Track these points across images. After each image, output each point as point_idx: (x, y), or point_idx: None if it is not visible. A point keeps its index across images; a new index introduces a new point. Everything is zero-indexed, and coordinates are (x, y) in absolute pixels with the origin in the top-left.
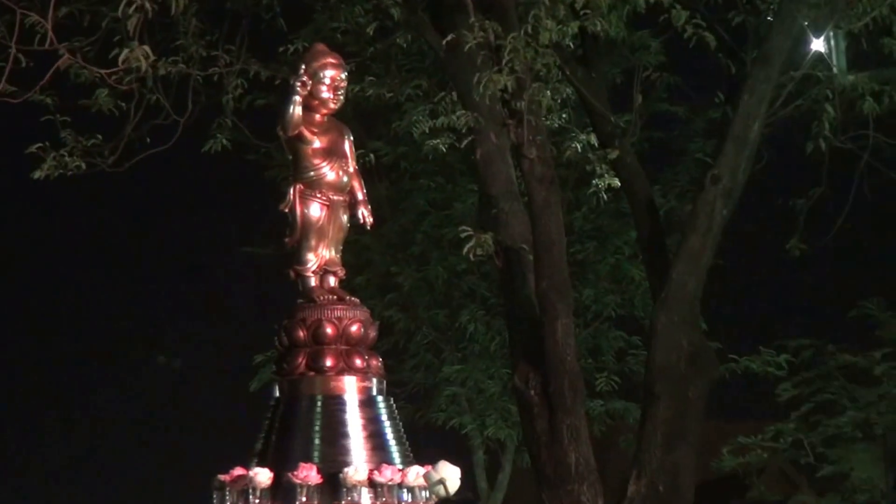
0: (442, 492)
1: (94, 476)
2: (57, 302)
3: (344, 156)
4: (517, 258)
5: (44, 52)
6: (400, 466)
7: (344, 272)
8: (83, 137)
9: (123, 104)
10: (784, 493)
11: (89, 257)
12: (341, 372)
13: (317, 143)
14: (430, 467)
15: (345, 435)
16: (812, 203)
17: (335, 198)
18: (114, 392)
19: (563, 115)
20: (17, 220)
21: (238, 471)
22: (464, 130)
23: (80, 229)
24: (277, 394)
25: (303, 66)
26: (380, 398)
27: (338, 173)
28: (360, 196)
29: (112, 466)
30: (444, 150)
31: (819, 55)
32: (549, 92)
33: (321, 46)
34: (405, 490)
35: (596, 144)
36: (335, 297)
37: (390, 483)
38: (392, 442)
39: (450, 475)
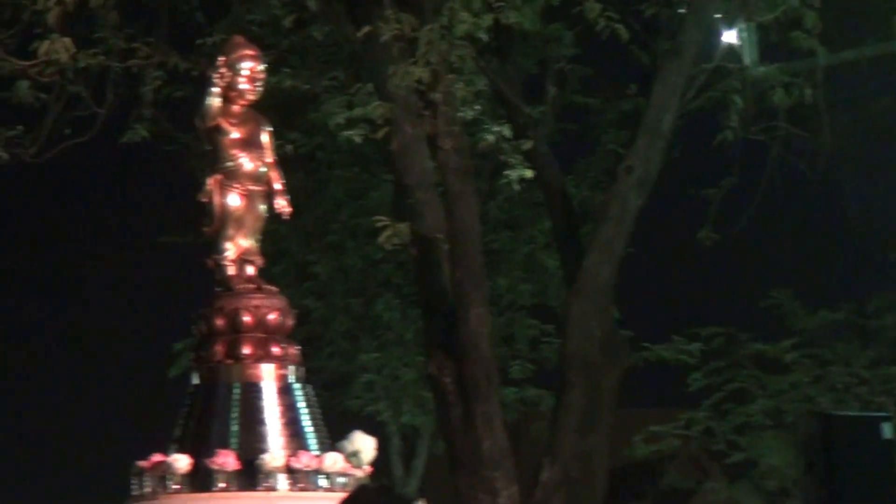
0: (358, 462)
1: (13, 461)
2: None
3: (261, 146)
4: (432, 248)
5: None
6: (317, 453)
7: (262, 261)
8: (4, 128)
9: (44, 95)
10: (696, 479)
11: (11, 245)
12: (259, 359)
13: (235, 134)
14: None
15: (262, 422)
16: (724, 193)
17: (253, 188)
18: (36, 376)
19: (478, 107)
20: None
21: (157, 457)
22: (380, 121)
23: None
24: (196, 381)
25: (221, 58)
26: (297, 385)
27: (255, 164)
28: (277, 186)
29: (32, 452)
30: (360, 140)
31: (730, 47)
32: (463, 83)
33: (239, 39)
34: (322, 476)
35: (510, 135)
36: (253, 285)
37: (307, 469)
38: (309, 429)
39: (364, 446)
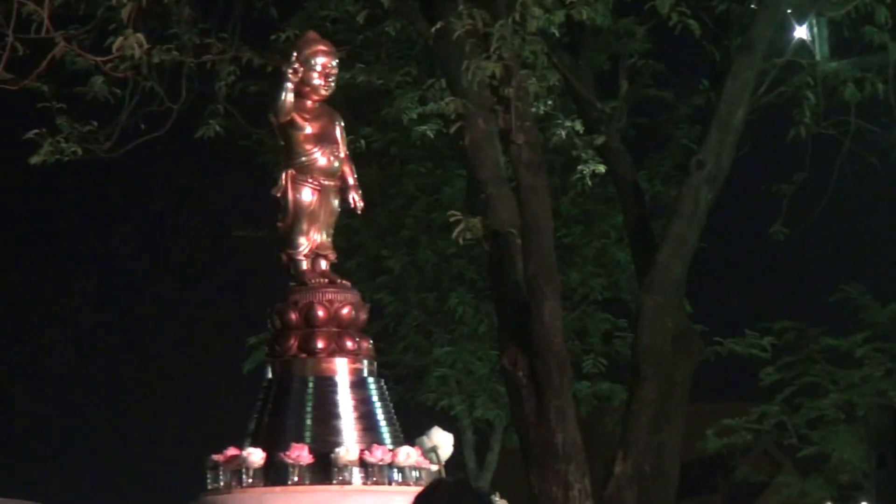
0: (435, 458)
1: (91, 456)
2: (48, 286)
3: (335, 141)
4: (505, 242)
5: (40, 41)
6: (390, 447)
7: (335, 256)
8: (79, 124)
9: (118, 91)
10: (768, 473)
11: (84, 241)
12: (332, 354)
13: (308, 129)
14: (420, 437)
15: (336, 416)
16: (795, 188)
17: (326, 183)
18: (112, 372)
19: (550, 102)
20: (15, 205)
21: (231, 451)
22: (452, 116)
23: (76, 213)
24: (270, 375)
25: (294, 54)
26: (370, 379)
27: (329, 158)
28: (350, 181)
29: (109, 447)
30: (433, 135)
31: (802, 42)
32: (536, 79)
33: (312, 34)
34: (395, 470)
35: (582, 130)
36: (326, 280)
37: (381, 463)
38: (382, 423)
39: (442, 441)
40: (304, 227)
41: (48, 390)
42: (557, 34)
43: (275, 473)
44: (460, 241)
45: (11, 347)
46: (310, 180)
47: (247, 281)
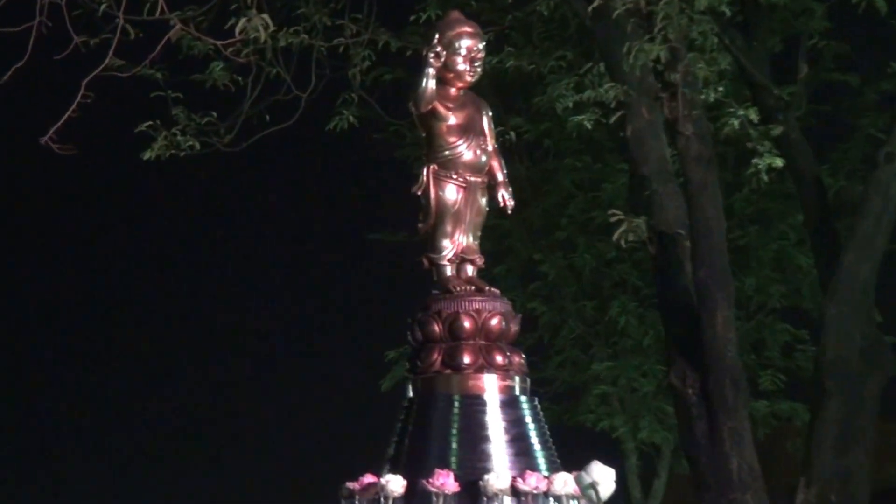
0: (594, 497)
1: (220, 474)
2: (168, 288)
3: (482, 133)
4: (672, 244)
5: (153, 23)
6: (545, 473)
7: (482, 260)
8: (196, 115)
9: (240, 79)
10: None
11: (204, 242)
12: (480, 369)
13: (452, 120)
14: (577, 473)
15: (485, 438)
16: None
17: (472, 179)
18: (243, 389)
19: (721, 88)
20: (126, 201)
21: (368, 478)
22: (612, 105)
23: (194, 212)
24: (411, 393)
25: (436, 36)
26: (523, 398)
27: (475, 152)
28: (499, 177)
29: (243, 468)
30: (591, 126)
31: None
32: (705, 62)
33: (456, 14)
34: (551, 499)
35: (757, 120)
36: (473, 287)
37: (535, 491)
38: (537, 446)
39: (603, 477)
40: (448, 228)
41: (169, 397)
42: (728, 13)
43: (417, 503)
44: (622, 243)
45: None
46: (454, 176)
47: (384, 289)
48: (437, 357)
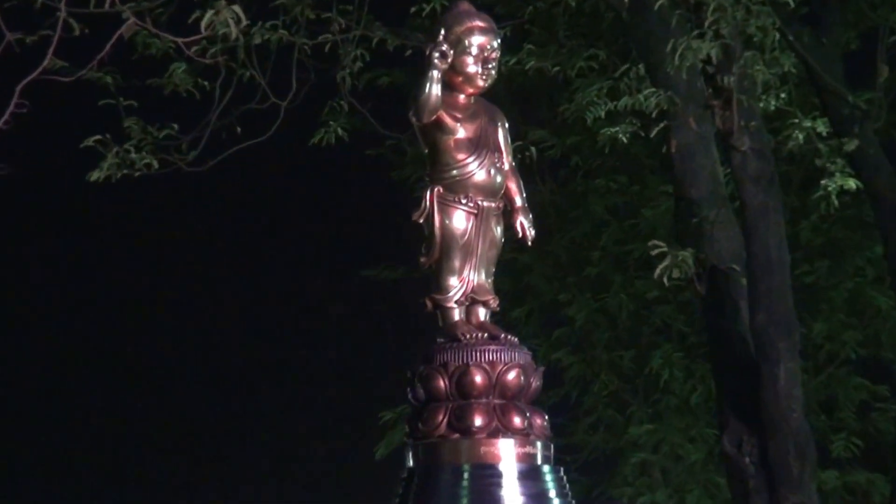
0: None
1: None
2: (122, 333)
3: (496, 149)
4: (725, 282)
5: (102, 17)
6: None
7: (497, 302)
8: (154, 127)
9: (206, 84)
10: None
11: (158, 280)
12: (495, 434)
13: (461, 133)
14: None
15: None
16: None
17: (485, 204)
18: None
19: (784, 95)
20: (73, 229)
21: None
22: (654, 115)
23: (152, 244)
24: (411, 462)
25: (442, 32)
26: (546, 468)
27: (488, 171)
28: (517, 201)
29: None
30: (627, 140)
31: None
32: (765, 63)
33: (465, 5)
34: None
35: (827, 133)
36: (486, 334)
37: None
38: None
39: None
40: (456, 263)
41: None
42: (793, 3)
43: None
44: (665, 281)
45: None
46: (463, 201)
47: (379, 335)
48: (442, 419)
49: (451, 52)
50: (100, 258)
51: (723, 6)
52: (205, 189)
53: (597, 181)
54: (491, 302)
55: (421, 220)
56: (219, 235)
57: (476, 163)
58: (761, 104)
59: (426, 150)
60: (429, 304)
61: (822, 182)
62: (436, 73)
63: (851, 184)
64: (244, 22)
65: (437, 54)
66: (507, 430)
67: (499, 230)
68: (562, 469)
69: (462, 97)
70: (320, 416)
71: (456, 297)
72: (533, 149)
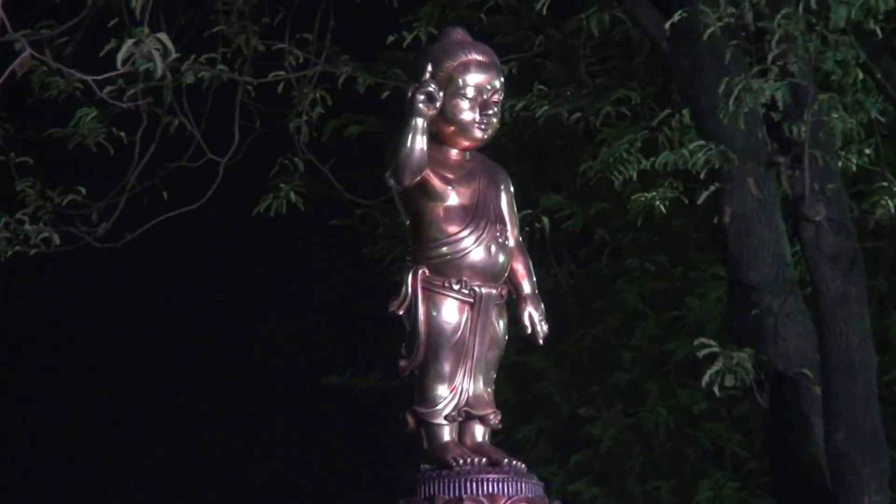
0: None
1: None
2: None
3: (499, 219)
4: (794, 392)
5: None
6: None
7: (499, 418)
8: (55, 192)
9: (123, 135)
10: None
11: (71, 374)
12: None
13: (453, 199)
14: None
15: None
16: None
17: (484, 291)
18: None
19: (869, 150)
20: None
21: None
22: (702, 176)
23: (55, 340)
24: None
25: (429, 68)
26: None
27: (488, 249)
28: (525, 288)
29: None
30: (667, 209)
31: None
32: (845, 108)
33: (459, 34)
34: None
35: None
36: (484, 459)
37: None
38: None
39: None
40: (447, 367)
41: None
42: (880, 31)
43: None
44: (716, 390)
45: None
46: (456, 286)
47: (348, 458)
48: None
49: (441, 94)
50: None
51: (791, 35)
52: (118, 269)
53: (628, 262)
54: (491, 417)
55: (401, 312)
56: (133, 329)
57: (472, 237)
58: (840, 162)
59: (408, 222)
60: (410, 420)
61: None
62: (420, 122)
63: None
64: (173, 55)
65: (422, 97)
66: None
67: (501, 325)
68: None
69: (454, 153)
70: None
71: (446, 412)
72: (546, 219)
